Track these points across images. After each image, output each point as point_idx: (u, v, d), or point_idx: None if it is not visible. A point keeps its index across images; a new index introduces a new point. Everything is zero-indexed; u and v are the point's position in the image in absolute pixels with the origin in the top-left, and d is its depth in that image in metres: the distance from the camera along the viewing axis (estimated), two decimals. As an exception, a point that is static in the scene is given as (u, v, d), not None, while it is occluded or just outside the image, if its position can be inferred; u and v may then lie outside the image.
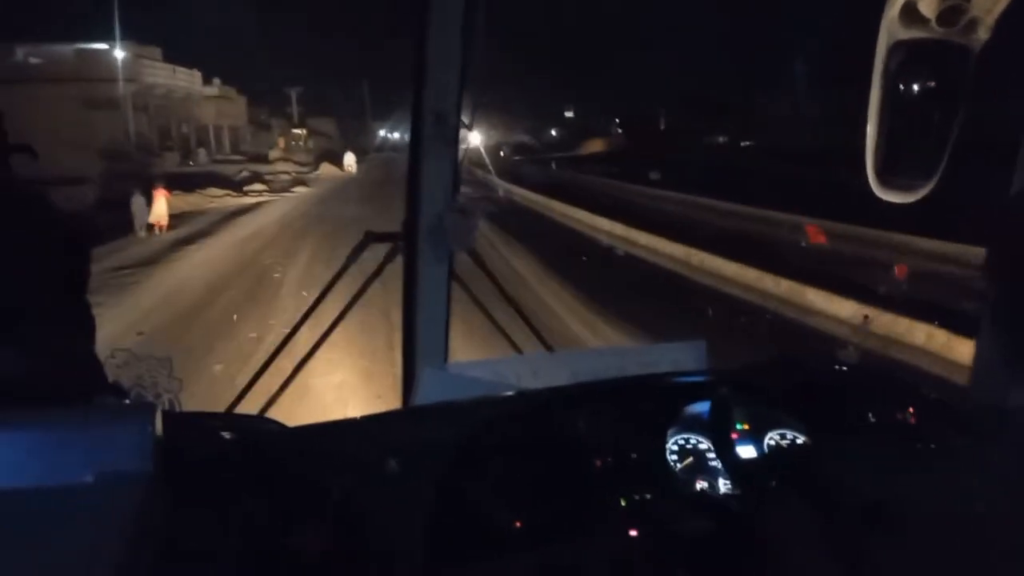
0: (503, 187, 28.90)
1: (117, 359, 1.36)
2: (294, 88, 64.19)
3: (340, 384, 7.39)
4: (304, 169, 44.79)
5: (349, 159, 48.95)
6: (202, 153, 43.58)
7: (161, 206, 22.04)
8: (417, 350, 2.60)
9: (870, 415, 1.44)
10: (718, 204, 23.47)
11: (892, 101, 1.30)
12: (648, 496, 1.25)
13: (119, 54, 37.90)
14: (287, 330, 2.73)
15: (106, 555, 0.61)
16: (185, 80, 46.53)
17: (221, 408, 2.39)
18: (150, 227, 21.21)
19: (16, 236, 0.96)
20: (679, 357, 1.75)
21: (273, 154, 49.98)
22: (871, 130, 1.32)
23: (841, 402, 1.47)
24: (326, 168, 45.89)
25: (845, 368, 1.76)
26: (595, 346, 8.75)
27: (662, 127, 54.84)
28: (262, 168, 40.70)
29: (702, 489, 1.31)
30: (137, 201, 21.22)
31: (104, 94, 36.07)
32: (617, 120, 67.43)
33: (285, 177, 38.81)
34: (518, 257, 16.03)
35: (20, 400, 0.79)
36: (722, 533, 1.16)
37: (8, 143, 1.19)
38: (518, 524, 1.16)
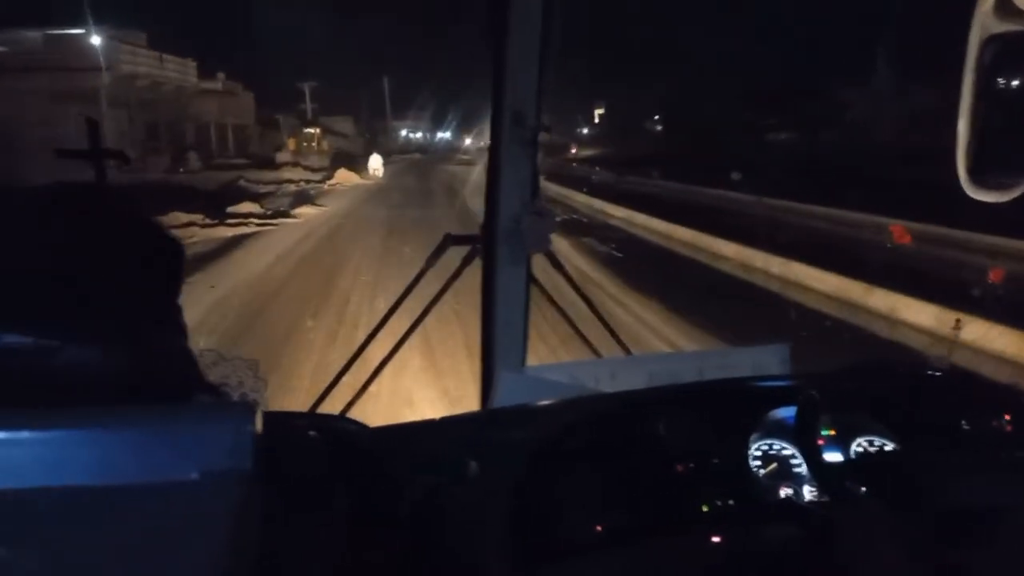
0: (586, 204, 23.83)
1: (205, 359, 1.39)
2: (307, 82, 57.71)
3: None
4: (316, 176, 36.33)
5: (375, 162, 40.16)
6: (193, 157, 36.44)
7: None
8: (495, 353, 2.61)
9: (963, 422, 1.39)
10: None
11: (985, 96, 1.25)
12: (731, 502, 1.23)
13: (95, 40, 32.47)
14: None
15: (210, 553, 0.62)
16: (177, 71, 39.35)
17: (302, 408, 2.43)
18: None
19: (120, 235, 1.00)
20: (761, 361, 1.72)
21: (281, 157, 42.41)
22: (962, 126, 1.27)
23: (931, 408, 1.43)
24: (343, 175, 35.88)
25: (935, 373, 1.70)
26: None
27: (713, 123, 45.59)
28: (264, 175, 33.50)
29: (786, 496, 1.28)
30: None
31: (75, 85, 30.22)
32: (656, 116, 61.16)
33: (290, 188, 30.65)
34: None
35: (126, 397, 0.81)
36: (807, 541, 1.14)
37: (103, 148, 1.24)
38: (598, 528, 1.15)
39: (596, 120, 70.64)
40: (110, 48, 32.83)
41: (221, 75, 44.32)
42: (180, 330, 1.03)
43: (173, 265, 1.06)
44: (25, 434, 0.70)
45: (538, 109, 2.38)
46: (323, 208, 24.26)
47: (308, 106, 57.40)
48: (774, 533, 1.17)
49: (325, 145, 52.95)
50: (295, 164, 39.90)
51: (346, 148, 52.83)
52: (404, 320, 2.75)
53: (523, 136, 2.38)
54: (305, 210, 23.50)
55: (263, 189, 28.67)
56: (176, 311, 1.03)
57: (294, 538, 0.80)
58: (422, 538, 1.06)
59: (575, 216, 21.28)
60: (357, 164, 40.33)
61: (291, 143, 49.90)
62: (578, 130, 65.62)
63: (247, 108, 46.64)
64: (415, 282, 2.74)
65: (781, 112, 43.65)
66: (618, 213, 21.42)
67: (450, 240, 2.74)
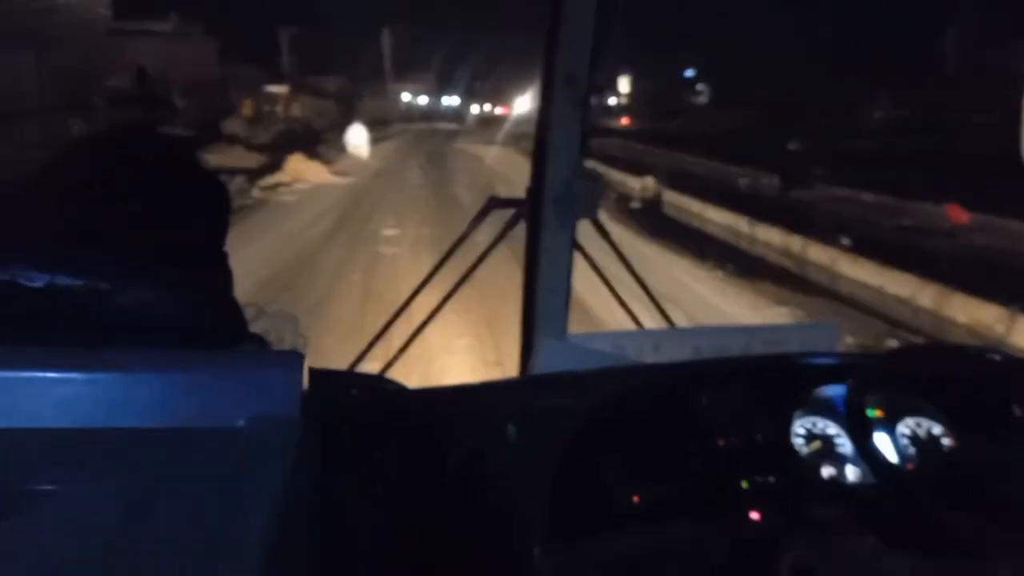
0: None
1: (246, 313, 1.41)
2: (286, 29, 45.66)
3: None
4: (258, 162, 22.24)
5: (356, 137, 28.66)
6: (77, 125, 20.63)
7: None
8: (537, 319, 2.59)
9: (1016, 408, 1.35)
10: None
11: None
12: (772, 479, 1.21)
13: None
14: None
15: (261, 497, 0.62)
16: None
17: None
18: None
19: (171, 180, 1.00)
20: (809, 337, 1.68)
21: (229, 126, 30.13)
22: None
23: (983, 393, 1.39)
24: (296, 168, 21.29)
25: (989, 358, 1.66)
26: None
27: (785, 94, 35.27)
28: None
29: (829, 476, 1.26)
30: None
31: None
32: (698, 87, 51.80)
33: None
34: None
35: (176, 342, 0.82)
36: (849, 521, 1.12)
37: (152, 96, 1.24)
38: (636, 499, 1.14)
39: (623, 89, 60.07)
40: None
41: (173, 15, 33.74)
42: (228, 277, 1.04)
43: (222, 210, 1.07)
44: (80, 375, 0.71)
45: (592, 68, 2.33)
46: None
47: (284, 58, 45.61)
48: (815, 512, 1.15)
49: (298, 110, 40.52)
50: (236, 140, 27.13)
51: (328, 114, 41.67)
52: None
53: (575, 96, 2.33)
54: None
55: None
56: (224, 258, 1.04)
57: (342, 489, 0.80)
58: (463, 501, 1.05)
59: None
60: (333, 143, 29.38)
61: (247, 106, 35.31)
62: (602, 100, 53.84)
63: (204, 58, 33.71)
64: (457, 245, 2.73)
65: (884, 85, 33.65)
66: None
67: (494, 203, 2.73)
